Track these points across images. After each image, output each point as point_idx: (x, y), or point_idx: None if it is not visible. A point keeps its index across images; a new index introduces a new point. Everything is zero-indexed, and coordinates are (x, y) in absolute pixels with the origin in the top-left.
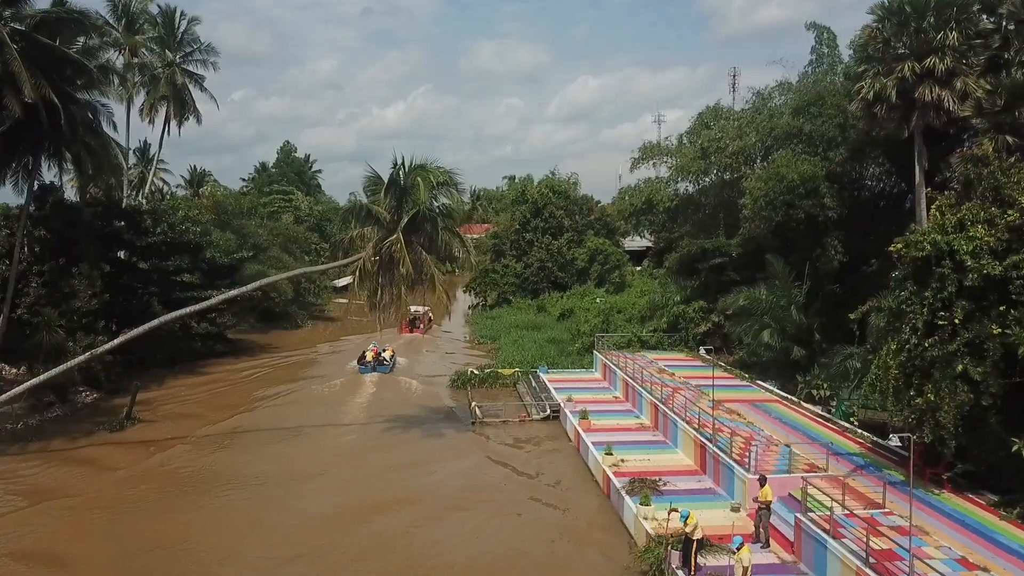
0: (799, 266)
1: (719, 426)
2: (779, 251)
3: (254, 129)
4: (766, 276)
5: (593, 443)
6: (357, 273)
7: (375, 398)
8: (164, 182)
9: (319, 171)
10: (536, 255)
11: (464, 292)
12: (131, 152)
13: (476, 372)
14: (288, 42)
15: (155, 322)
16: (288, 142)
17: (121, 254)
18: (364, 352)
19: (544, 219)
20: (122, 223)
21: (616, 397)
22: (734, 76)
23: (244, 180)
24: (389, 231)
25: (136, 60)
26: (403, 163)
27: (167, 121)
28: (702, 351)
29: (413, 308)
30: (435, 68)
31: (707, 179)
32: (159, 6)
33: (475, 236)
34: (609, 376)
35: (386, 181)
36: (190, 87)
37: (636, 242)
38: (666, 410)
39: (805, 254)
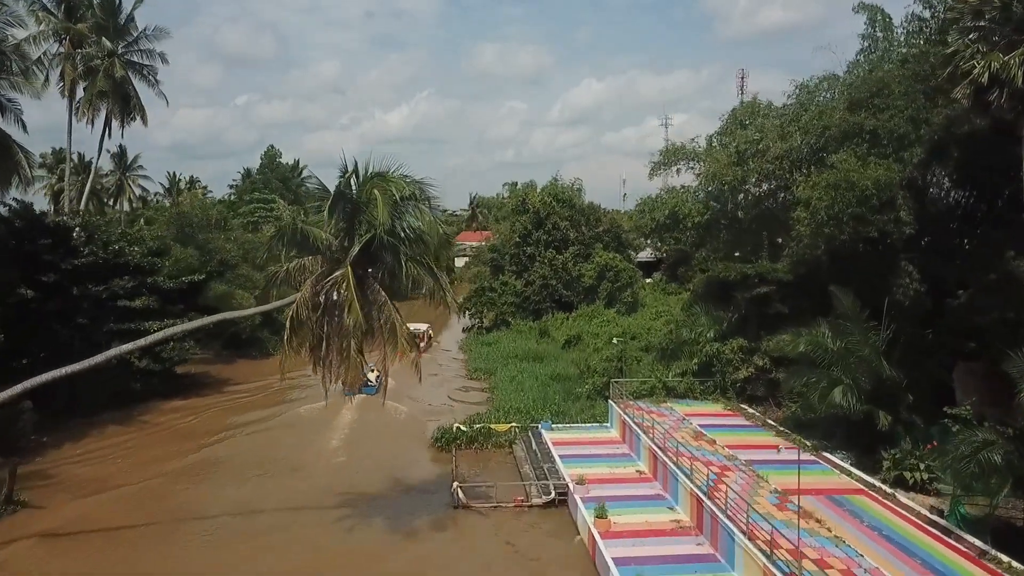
0: (865, 297)
1: (800, 548)
2: (837, 278)
3: (256, 134)
4: (826, 311)
5: (615, 560)
6: (288, 323)
7: (349, 441)
8: (144, 189)
9: (309, 176)
10: (538, 271)
11: (458, 313)
12: (110, 157)
13: (463, 428)
14: (290, 46)
15: (52, 374)
16: (272, 147)
17: (50, 277)
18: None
19: (547, 231)
20: (49, 241)
21: (640, 472)
22: (742, 78)
23: (231, 186)
24: (336, 262)
25: (81, 51)
26: (355, 170)
27: (107, 122)
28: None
29: (413, 326)
30: (438, 71)
31: (745, 189)
32: None
33: (474, 244)
34: (630, 438)
35: (332, 193)
36: (134, 81)
37: (646, 251)
38: (714, 510)
39: (872, 282)
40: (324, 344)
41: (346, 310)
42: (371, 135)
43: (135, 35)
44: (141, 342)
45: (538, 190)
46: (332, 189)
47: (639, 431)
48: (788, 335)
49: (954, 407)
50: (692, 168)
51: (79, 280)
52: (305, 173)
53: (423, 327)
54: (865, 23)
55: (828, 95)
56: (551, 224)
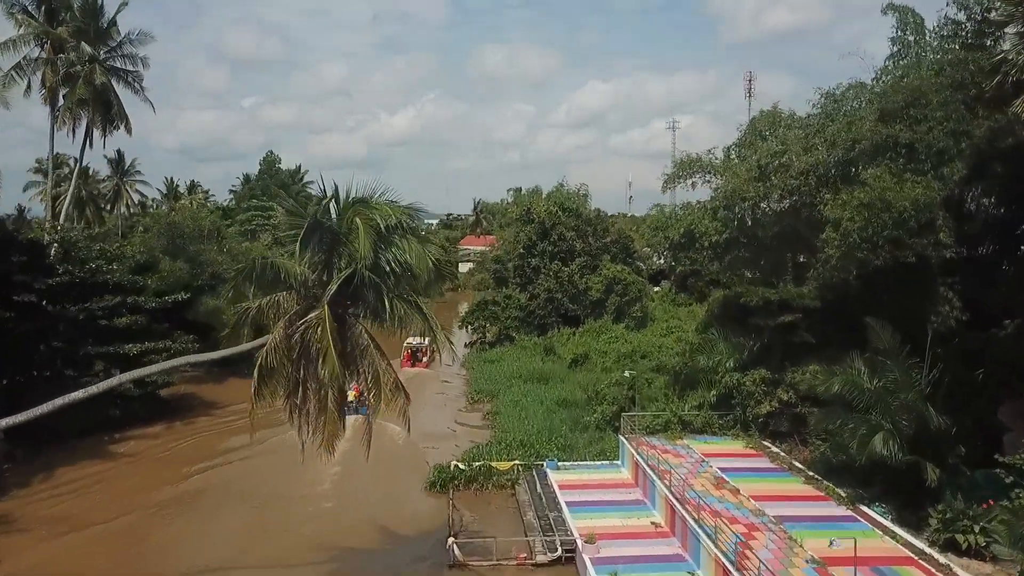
0: (899, 324)
1: None
2: (869, 305)
3: (264, 136)
4: (857, 340)
5: None
6: (257, 371)
7: (340, 475)
8: (142, 195)
9: (311, 182)
10: (543, 284)
11: (460, 328)
12: (107, 163)
13: (462, 467)
14: (297, 48)
15: (47, 407)
16: (271, 152)
17: (24, 298)
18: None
19: (552, 242)
20: (24, 259)
21: (657, 525)
22: (750, 80)
23: (231, 191)
24: (314, 299)
25: (62, 56)
26: (335, 195)
27: (88, 131)
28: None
29: (415, 340)
30: (444, 74)
31: (766, 206)
32: None
33: (478, 249)
34: (643, 482)
35: (306, 223)
36: (118, 88)
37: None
38: None
39: (908, 309)
40: (301, 390)
41: (320, 360)
42: (377, 137)
43: (118, 40)
44: (124, 377)
45: (543, 196)
46: (328, 196)
47: (654, 477)
48: (819, 372)
49: (1002, 452)
50: (708, 182)
51: (55, 300)
52: (307, 178)
53: (425, 341)
54: (894, 26)
55: (855, 104)
56: (557, 235)
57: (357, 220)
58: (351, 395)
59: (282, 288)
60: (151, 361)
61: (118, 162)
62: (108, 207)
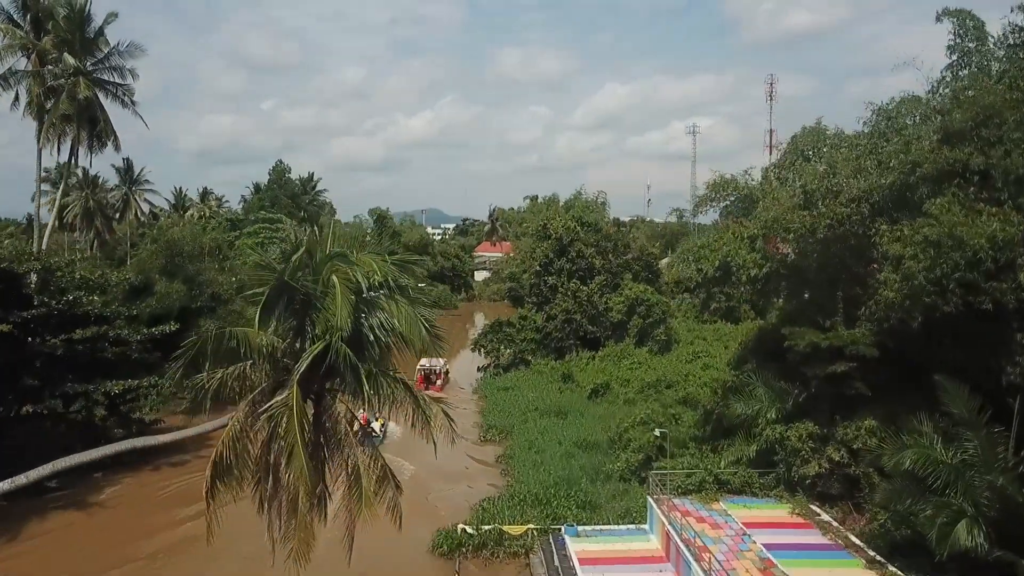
0: (972, 377)
1: None
2: (932, 353)
3: (281, 139)
4: (921, 392)
5: None
6: (211, 470)
7: (333, 528)
8: (152, 204)
9: (324, 190)
10: (561, 304)
11: (472, 351)
12: (115, 172)
13: (470, 531)
14: (314, 52)
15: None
16: (281, 162)
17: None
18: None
19: (570, 259)
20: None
21: None
22: (771, 84)
23: (242, 200)
24: (285, 371)
25: (49, 68)
26: (313, 243)
27: (74, 149)
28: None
29: (429, 361)
30: (460, 76)
31: (815, 236)
32: None
33: (493, 256)
34: (675, 557)
35: (270, 285)
36: (104, 103)
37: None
38: None
39: (979, 361)
40: (271, 478)
41: (284, 460)
42: (394, 140)
43: (106, 51)
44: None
45: (560, 205)
46: (298, 251)
47: (689, 557)
48: (884, 436)
49: None
50: (744, 206)
51: (32, 333)
52: (321, 185)
53: (439, 363)
54: (950, 32)
55: (910, 120)
56: (575, 251)
57: (334, 279)
58: (356, 425)
59: (248, 359)
60: (132, 399)
61: (127, 171)
62: (117, 216)
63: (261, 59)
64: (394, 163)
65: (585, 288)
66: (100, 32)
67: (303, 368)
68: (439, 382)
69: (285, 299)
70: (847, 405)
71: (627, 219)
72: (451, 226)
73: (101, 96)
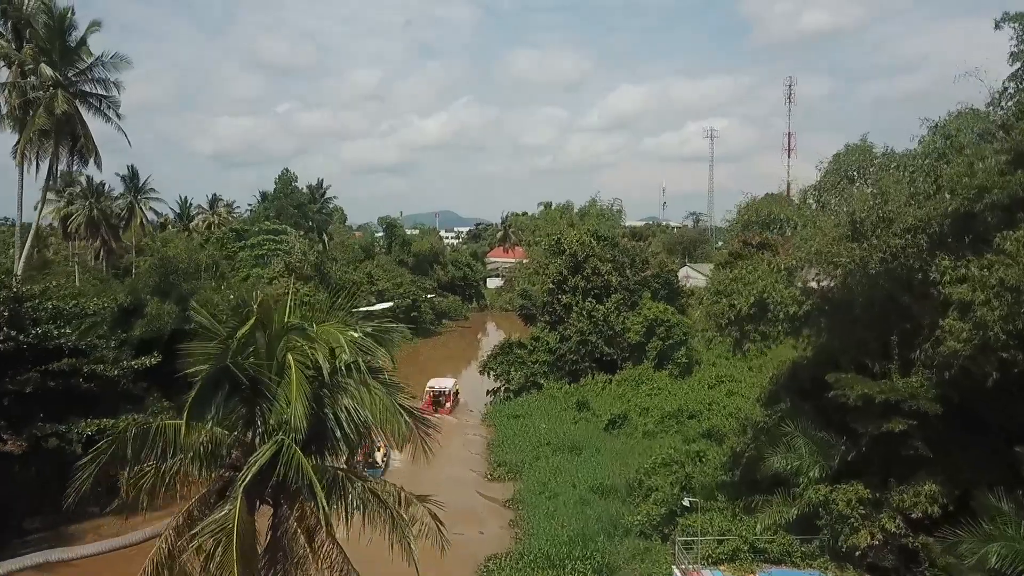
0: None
1: None
2: (998, 406)
3: (296, 142)
4: (995, 457)
5: None
6: None
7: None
8: (156, 213)
9: (333, 197)
10: (575, 324)
11: (481, 373)
12: (120, 180)
13: None
14: (330, 54)
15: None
16: (287, 170)
17: None
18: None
19: (585, 276)
20: None
21: None
22: (790, 86)
23: (249, 208)
24: (233, 468)
25: (30, 80)
26: (267, 311)
27: (52, 168)
28: None
29: (438, 383)
30: (476, 78)
31: (865, 271)
32: (44, 2)
33: (507, 262)
34: None
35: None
36: (87, 116)
37: (693, 279)
38: None
39: None
40: None
41: None
42: (409, 142)
43: (88, 62)
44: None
45: (575, 211)
46: (247, 323)
47: None
48: (961, 533)
49: None
50: (779, 232)
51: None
52: (332, 192)
53: (448, 384)
54: (1012, 38)
55: (968, 138)
56: (591, 268)
57: (289, 359)
58: (358, 456)
59: (185, 453)
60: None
61: (132, 179)
62: (123, 224)
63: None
64: (409, 165)
65: (601, 307)
66: (82, 42)
67: (250, 476)
68: (448, 404)
69: (228, 385)
70: (903, 465)
71: (641, 223)
72: (465, 229)
73: (83, 109)
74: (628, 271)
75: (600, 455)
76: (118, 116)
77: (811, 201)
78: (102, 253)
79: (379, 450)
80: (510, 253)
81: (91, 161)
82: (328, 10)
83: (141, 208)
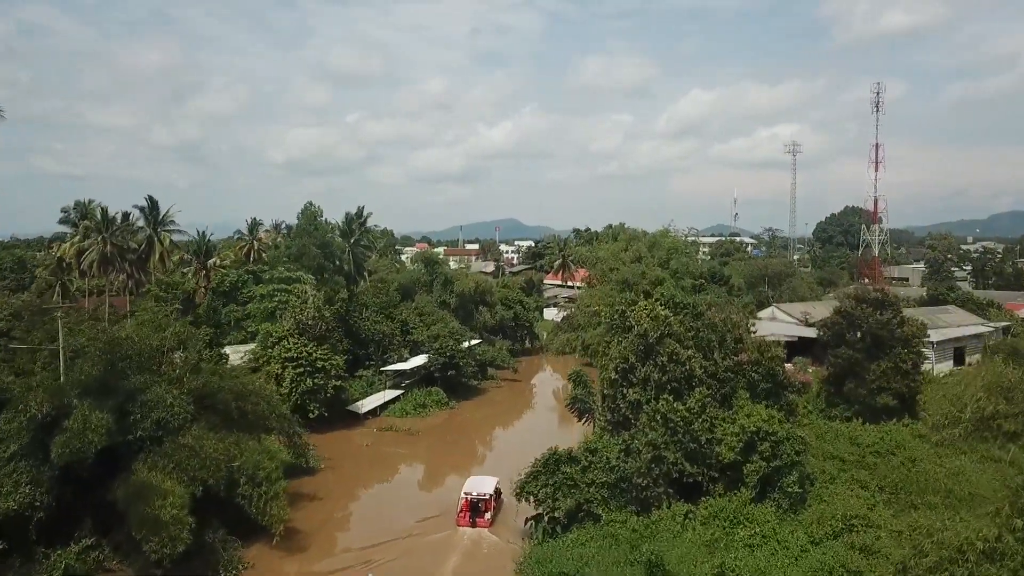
0: None
1: None
2: None
3: (366, 151)
4: None
5: None
6: None
7: None
8: (175, 244)
9: (375, 226)
10: (646, 432)
11: (515, 496)
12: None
13: None
14: (398, 65)
15: None
16: (311, 203)
17: None
18: None
19: (660, 365)
20: None
21: None
22: (878, 93)
23: (275, 246)
24: None
25: None
26: None
27: None
28: None
29: (476, 485)
30: (541, 86)
31: None
32: None
33: (564, 294)
34: None
35: None
36: None
37: (777, 325)
38: None
39: None
40: None
41: None
42: (475, 150)
43: None
44: None
45: (647, 243)
46: None
47: None
48: None
49: None
50: None
51: None
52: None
53: (489, 486)
54: None
55: None
56: (667, 353)
57: None
58: None
59: None
60: None
61: (151, 210)
62: (143, 258)
63: (345, 72)
64: (474, 173)
65: (681, 407)
66: None
67: None
68: (488, 515)
69: None
70: None
71: (713, 238)
72: (526, 244)
73: None
74: (717, 353)
75: None
76: None
77: None
78: (130, 286)
79: None
80: (572, 278)
81: None
82: (396, 20)
83: (160, 241)
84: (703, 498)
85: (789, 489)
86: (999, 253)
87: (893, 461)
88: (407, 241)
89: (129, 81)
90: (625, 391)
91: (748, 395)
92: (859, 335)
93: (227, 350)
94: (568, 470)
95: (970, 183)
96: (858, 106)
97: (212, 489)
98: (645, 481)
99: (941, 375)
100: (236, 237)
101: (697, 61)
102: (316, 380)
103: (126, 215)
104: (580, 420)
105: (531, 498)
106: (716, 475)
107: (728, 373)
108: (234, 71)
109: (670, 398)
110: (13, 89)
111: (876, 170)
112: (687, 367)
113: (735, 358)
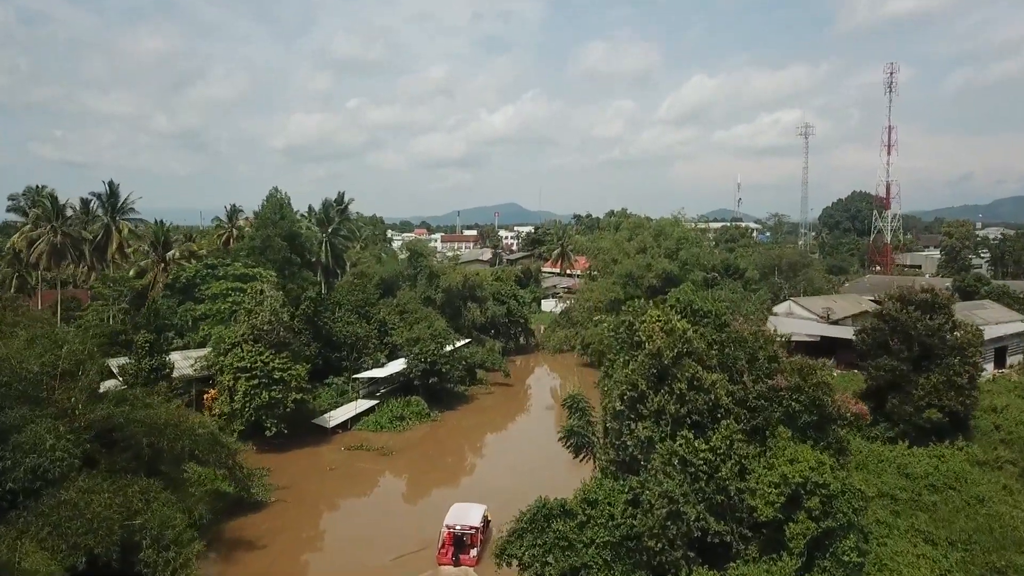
0: None
1: None
2: None
3: (367, 137)
4: None
5: None
6: None
7: None
8: (134, 233)
9: (356, 213)
10: (659, 480)
11: (496, 562)
12: (96, 199)
13: None
14: (400, 51)
15: None
16: (276, 190)
17: None
18: None
19: (677, 393)
20: None
21: None
22: (891, 73)
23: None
24: None
25: None
26: None
27: None
28: None
29: (460, 517)
30: (543, 72)
31: None
32: None
33: (564, 284)
34: None
35: None
36: None
37: (796, 322)
38: None
39: None
40: None
41: None
42: (476, 136)
43: None
44: None
45: (649, 230)
46: None
47: None
48: None
49: None
50: None
51: None
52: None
53: (476, 516)
54: None
55: None
56: (686, 379)
57: None
58: None
59: None
60: None
61: (109, 197)
62: (103, 248)
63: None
64: (476, 158)
65: (704, 446)
66: None
67: None
68: (475, 551)
69: None
70: None
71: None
72: (525, 229)
73: None
74: (745, 375)
75: None
76: None
77: None
78: (92, 279)
79: None
80: (572, 267)
81: None
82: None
83: (118, 231)
84: (732, 563)
85: (845, 557)
86: (1020, 239)
87: (955, 500)
88: (406, 226)
89: (130, 68)
90: (633, 425)
91: (788, 430)
92: (904, 343)
93: (174, 356)
94: (561, 527)
95: (974, 169)
96: (862, 92)
97: (100, 559)
98: (659, 544)
99: (983, 380)
100: (215, 224)
101: (701, 47)
102: (273, 393)
103: (86, 202)
104: (576, 457)
105: (514, 562)
106: (749, 533)
107: (761, 400)
108: (236, 59)
109: (690, 435)
110: (12, 76)
111: (888, 153)
112: (712, 395)
113: (768, 382)
